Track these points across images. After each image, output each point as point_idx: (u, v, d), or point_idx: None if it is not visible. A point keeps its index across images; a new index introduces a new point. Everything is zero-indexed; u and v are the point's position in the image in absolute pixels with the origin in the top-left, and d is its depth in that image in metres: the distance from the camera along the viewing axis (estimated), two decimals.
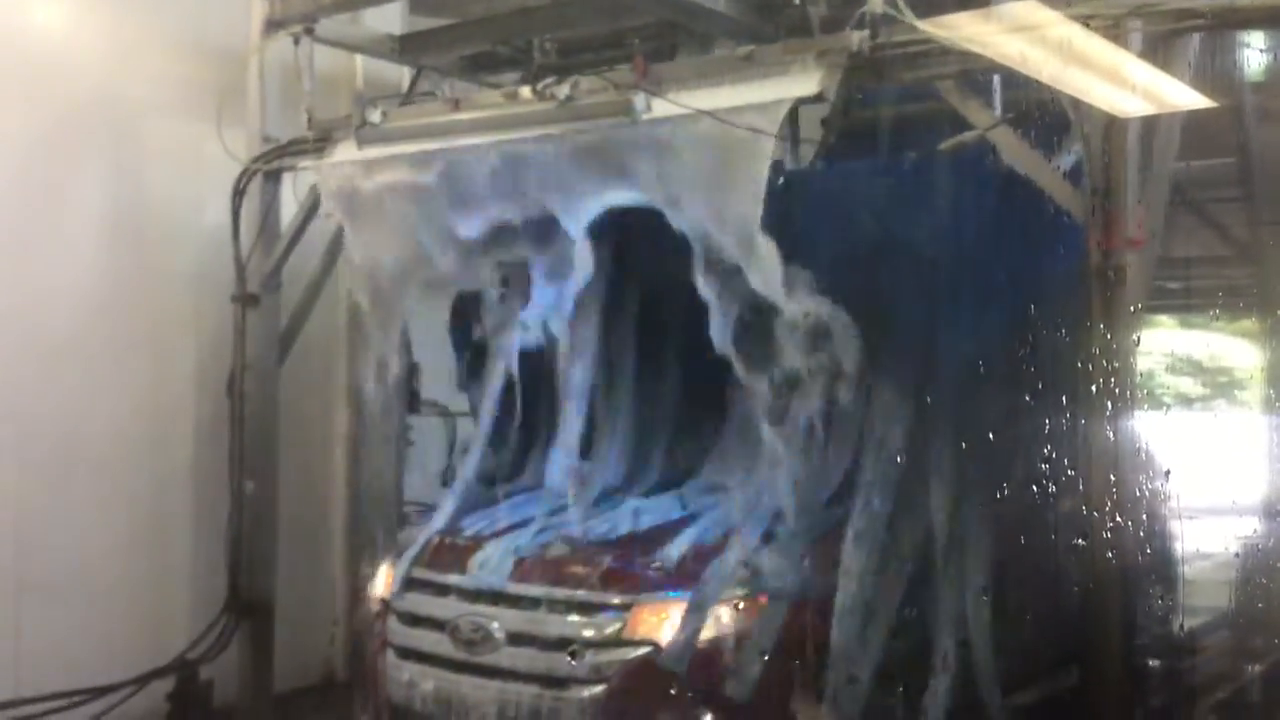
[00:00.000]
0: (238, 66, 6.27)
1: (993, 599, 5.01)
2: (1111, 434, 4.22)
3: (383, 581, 5.22)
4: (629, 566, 4.66)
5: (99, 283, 6.04)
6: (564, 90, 4.72)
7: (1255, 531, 6.59)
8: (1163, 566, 5.40)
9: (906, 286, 4.91)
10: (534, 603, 4.66)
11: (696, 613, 4.47)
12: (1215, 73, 5.32)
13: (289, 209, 6.31)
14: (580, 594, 4.60)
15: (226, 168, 6.16)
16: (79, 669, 5.70)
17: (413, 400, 6.77)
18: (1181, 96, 4.30)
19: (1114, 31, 3.99)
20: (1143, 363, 4.43)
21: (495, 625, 4.65)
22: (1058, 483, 5.01)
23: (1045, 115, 4.84)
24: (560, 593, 4.63)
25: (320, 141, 5.89)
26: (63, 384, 5.84)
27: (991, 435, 5.00)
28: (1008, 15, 3.85)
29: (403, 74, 7.05)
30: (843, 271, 4.78)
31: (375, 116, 5.35)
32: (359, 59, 6.81)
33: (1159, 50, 4.18)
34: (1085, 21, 3.89)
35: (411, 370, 6.40)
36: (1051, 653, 5.10)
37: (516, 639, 4.62)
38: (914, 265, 4.92)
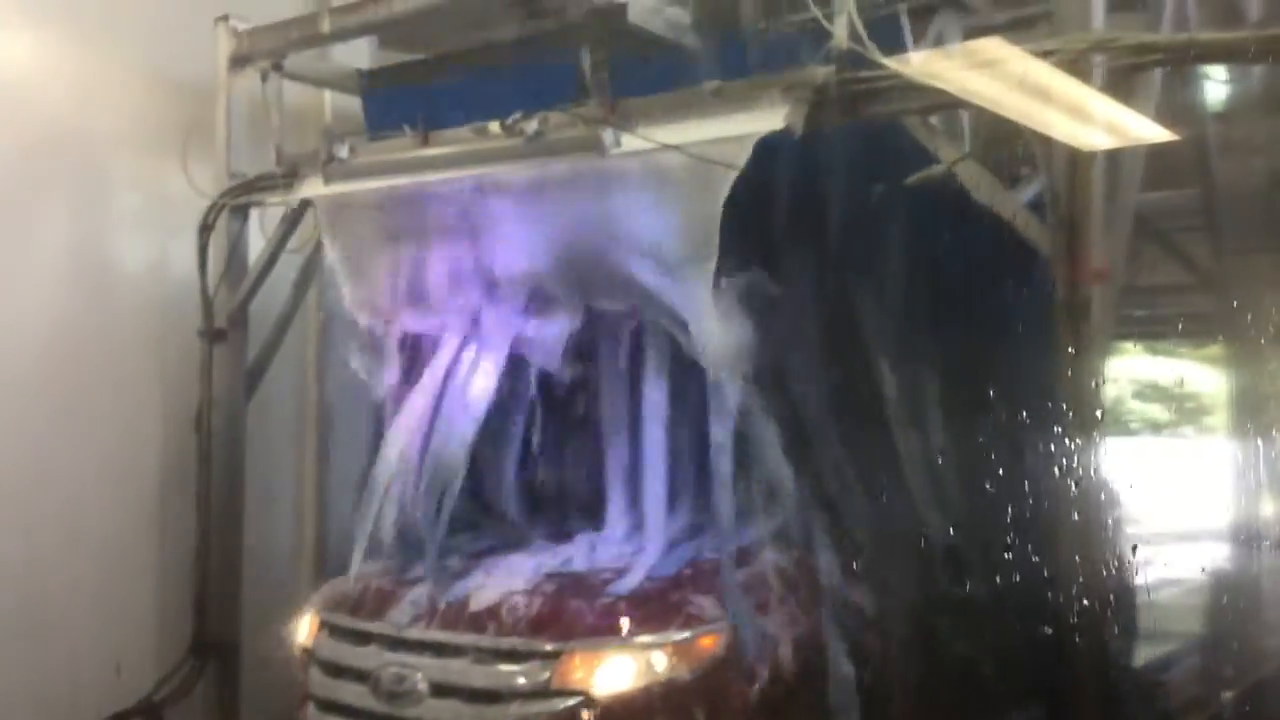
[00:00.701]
0: (205, 102, 6.25)
1: (963, 627, 5.02)
2: (1078, 463, 4.24)
3: (306, 628, 4.97)
4: (561, 611, 4.38)
5: (63, 319, 5.97)
6: (533, 125, 4.72)
7: (1223, 557, 6.65)
8: (1129, 594, 5.42)
9: (863, 318, 4.95)
10: (459, 651, 4.40)
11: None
12: (1177, 106, 5.40)
13: (256, 245, 6.28)
14: (507, 641, 4.34)
15: (193, 203, 6.14)
16: (44, 711, 5.61)
17: None
18: (1144, 130, 4.35)
19: (1077, 66, 4.03)
20: (1109, 392, 4.45)
21: (418, 676, 4.39)
22: (1023, 513, 5.03)
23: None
24: (487, 640, 4.37)
25: (288, 177, 5.87)
26: (26, 421, 5.76)
27: (955, 465, 5.02)
28: (972, 51, 3.90)
29: None
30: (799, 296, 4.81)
31: (343, 152, 5.34)
32: (327, 94, 6.81)
33: (1121, 84, 4.23)
34: (1048, 57, 3.93)
35: None
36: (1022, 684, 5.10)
37: (440, 690, 4.36)
38: (873, 294, 4.97)
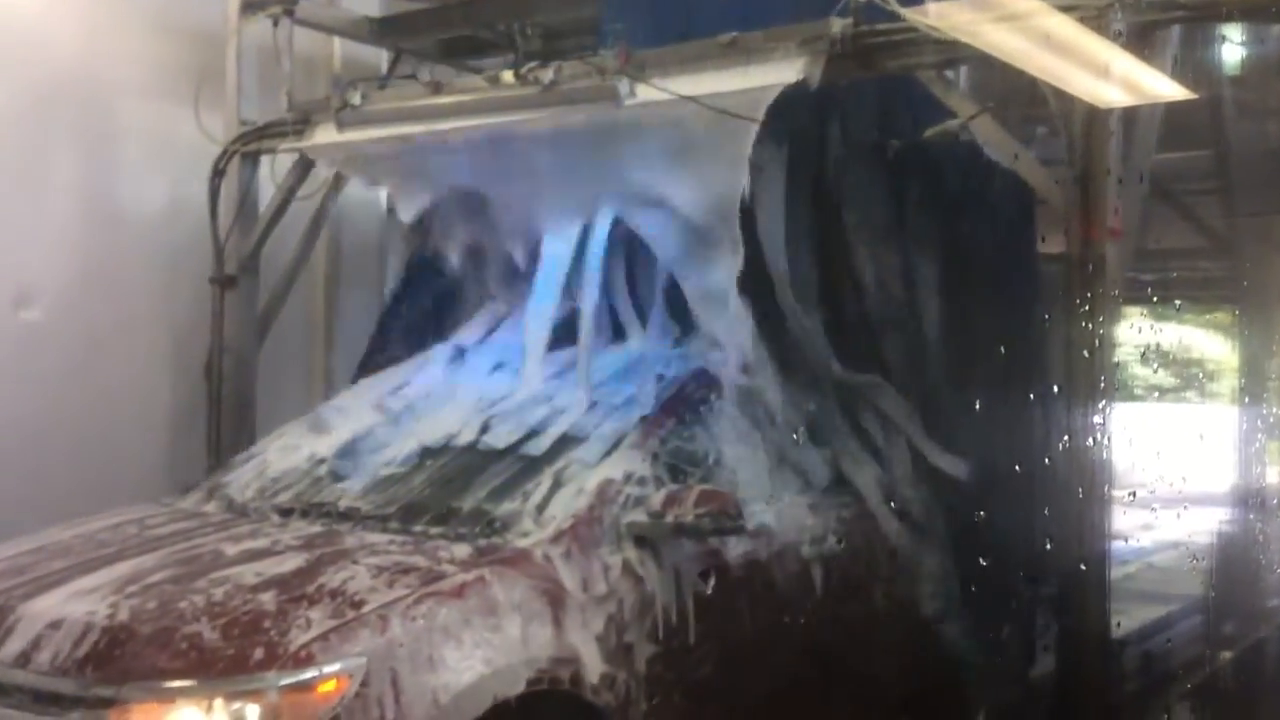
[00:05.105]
0: (215, 48, 6.22)
1: (963, 589, 5.02)
2: (1086, 423, 4.25)
3: None
4: (130, 636, 3.19)
5: (73, 265, 5.97)
6: (547, 75, 4.69)
7: (1225, 520, 6.69)
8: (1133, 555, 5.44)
9: (882, 275, 4.93)
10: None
11: None
12: (1194, 66, 5.38)
13: (267, 192, 6.28)
14: (48, 681, 3.17)
15: (203, 150, 6.13)
16: None
17: None
18: (1162, 88, 4.33)
19: (1097, 22, 4.01)
20: (1118, 355, 4.46)
21: None
22: (1028, 471, 5.03)
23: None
24: (26, 677, 3.21)
25: (299, 124, 5.86)
26: (37, 369, 5.78)
27: (961, 422, 4.99)
28: (992, 4, 3.86)
29: (380, 58, 7.02)
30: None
31: (356, 99, 5.31)
32: (337, 42, 6.78)
33: (1140, 42, 4.21)
34: (1069, 11, 3.90)
35: None
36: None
37: None
38: (890, 247, 4.94)
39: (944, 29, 4.02)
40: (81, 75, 6.01)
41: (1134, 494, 5.06)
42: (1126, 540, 5.75)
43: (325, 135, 5.66)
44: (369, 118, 5.35)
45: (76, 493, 5.88)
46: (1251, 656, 6.12)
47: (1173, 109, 4.67)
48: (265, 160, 6.22)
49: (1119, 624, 4.32)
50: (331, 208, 6.44)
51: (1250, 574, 6.47)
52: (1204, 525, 6.53)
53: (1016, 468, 4.96)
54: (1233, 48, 6.36)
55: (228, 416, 6.18)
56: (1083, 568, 4.16)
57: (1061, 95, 4.21)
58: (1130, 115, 4.38)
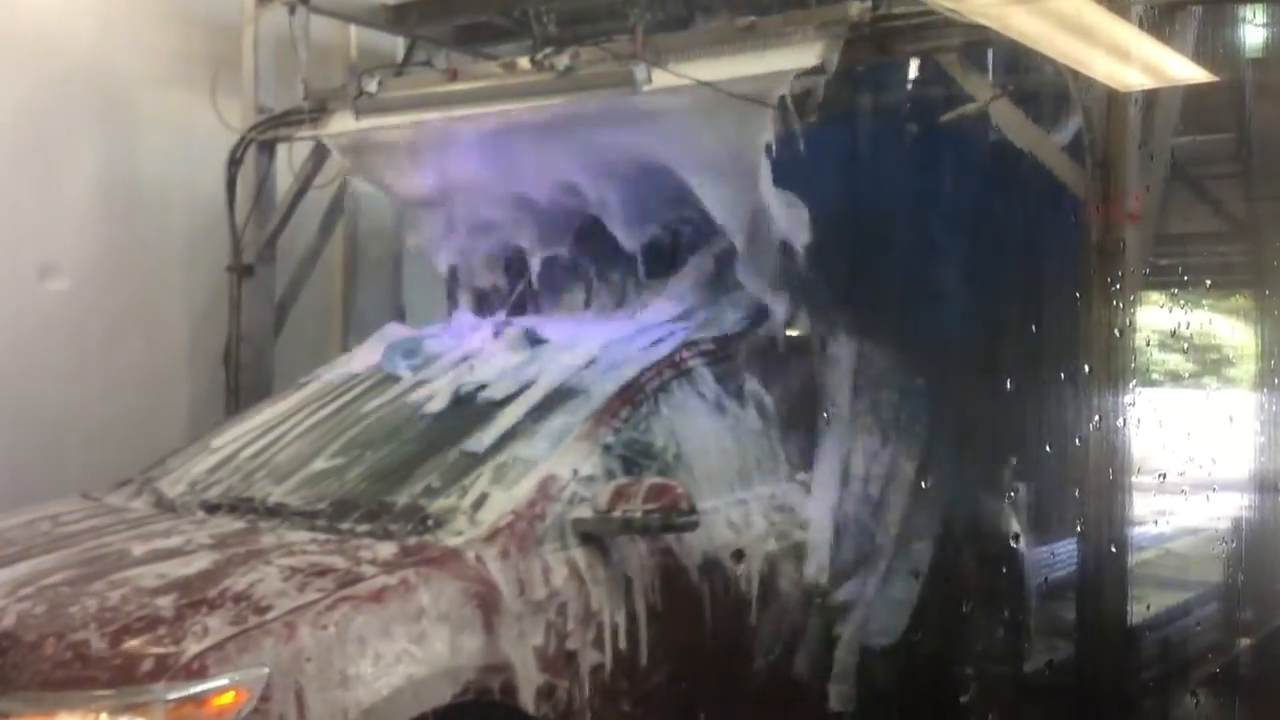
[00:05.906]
0: (232, 37, 6.24)
1: (982, 574, 5.02)
2: (1106, 408, 4.22)
3: None
4: (14, 644, 2.97)
5: (91, 254, 6.00)
6: (563, 61, 4.68)
7: (1247, 507, 6.64)
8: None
9: (899, 252, 4.91)
10: None
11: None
12: (1216, 47, 5.32)
13: (284, 180, 6.29)
14: None
15: (221, 138, 6.14)
16: None
17: None
18: (1182, 70, 4.29)
19: (1117, 4, 3.97)
20: (1139, 340, 4.43)
21: None
22: (1046, 459, 5.01)
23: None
24: None
25: (316, 111, 5.86)
26: (55, 356, 5.80)
27: (980, 408, 4.98)
28: None
29: (396, 45, 7.01)
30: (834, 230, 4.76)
31: (372, 86, 5.31)
32: (353, 29, 6.78)
33: (1161, 23, 4.17)
34: None
35: None
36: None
37: None
38: (906, 230, 4.93)
39: (963, 12, 3.99)
40: (101, 65, 6.02)
41: (1163, 476, 5.02)
42: (1156, 523, 5.74)
43: (342, 123, 5.67)
44: (386, 105, 5.35)
45: (91, 479, 5.91)
46: (1271, 642, 6.09)
47: (1194, 91, 4.62)
48: (282, 148, 6.24)
49: (1149, 607, 4.30)
50: (348, 195, 6.45)
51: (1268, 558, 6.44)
52: (1230, 510, 6.50)
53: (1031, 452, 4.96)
54: (1254, 29, 6.28)
55: (246, 404, 6.18)
56: (1112, 550, 4.15)
57: (1080, 78, 4.18)
58: (1151, 98, 4.34)
